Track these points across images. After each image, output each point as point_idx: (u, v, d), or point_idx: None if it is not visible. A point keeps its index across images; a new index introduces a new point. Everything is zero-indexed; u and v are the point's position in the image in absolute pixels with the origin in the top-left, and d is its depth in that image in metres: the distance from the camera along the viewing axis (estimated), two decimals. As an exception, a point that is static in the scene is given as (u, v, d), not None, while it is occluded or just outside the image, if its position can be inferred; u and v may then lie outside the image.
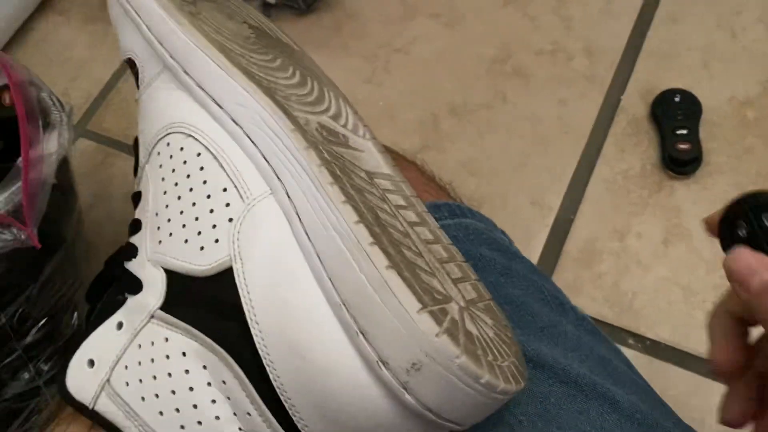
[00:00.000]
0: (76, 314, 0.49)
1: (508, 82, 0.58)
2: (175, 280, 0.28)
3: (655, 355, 0.47)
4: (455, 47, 0.61)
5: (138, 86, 0.34)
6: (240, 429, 0.26)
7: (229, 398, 0.27)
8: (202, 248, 0.28)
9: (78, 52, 0.68)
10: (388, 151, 0.35)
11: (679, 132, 0.54)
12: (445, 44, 0.61)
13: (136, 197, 0.33)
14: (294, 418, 0.26)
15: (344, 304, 0.25)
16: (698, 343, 0.47)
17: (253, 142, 0.30)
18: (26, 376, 0.46)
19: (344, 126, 0.35)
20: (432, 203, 0.38)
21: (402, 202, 0.32)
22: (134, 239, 0.31)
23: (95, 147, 0.64)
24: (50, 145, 0.41)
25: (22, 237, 0.40)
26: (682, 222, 0.51)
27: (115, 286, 0.31)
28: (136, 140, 0.34)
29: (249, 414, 0.26)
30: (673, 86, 0.56)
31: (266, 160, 0.29)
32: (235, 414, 0.26)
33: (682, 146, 0.54)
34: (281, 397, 0.26)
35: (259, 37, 0.37)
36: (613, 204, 0.53)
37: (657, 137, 0.55)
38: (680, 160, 0.53)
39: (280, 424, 0.26)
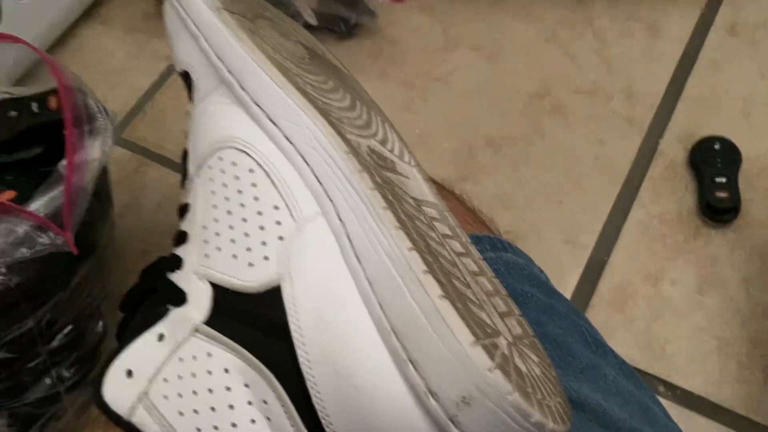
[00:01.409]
0: (101, 323, 0.49)
1: (547, 118, 0.58)
2: (221, 294, 0.28)
3: (686, 405, 0.46)
4: (495, 80, 0.61)
5: (191, 99, 0.34)
6: (277, 451, 0.26)
7: (269, 419, 0.26)
8: (250, 264, 0.28)
9: (118, 61, 0.69)
10: (431, 180, 0.35)
11: (717, 180, 0.54)
12: (485, 77, 0.61)
13: (183, 209, 0.33)
14: (333, 443, 0.25)
15: (394, 331, 0.25)
16: (731, 396, 0.46)
17: (305, 161, 0.29)
18: (48, 381, 0.45)
19: (391, 151, 0.35)
20: (473, 235, 0.38)
21: (448, 232, 0.32)
22: (179, 251, 0.31)
23: (129, 156, 0.64)
24: (93, 152, 0.41)
25: (59, 242, 0.40)
26: (718, 271, 0.51)
27: (155, 296, 0.31)
28: (185, 152, 0.34)
29: (288, 436, 0.26)
30: (713, 133, 0.56)
31: (318, 181, 0.29)
32: (273, 435, 0.26)
33: (721, 194, 0.53)
34: (322, 421, 0.25)
35: (311, 57, 0.37)
36: (648, 248, 0.52)
37: (695, 183, 0.54)
38: (718, 209, 0.53)
39: (319, 448, 0.25)
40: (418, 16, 0.65)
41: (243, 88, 0.31)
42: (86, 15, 0.71)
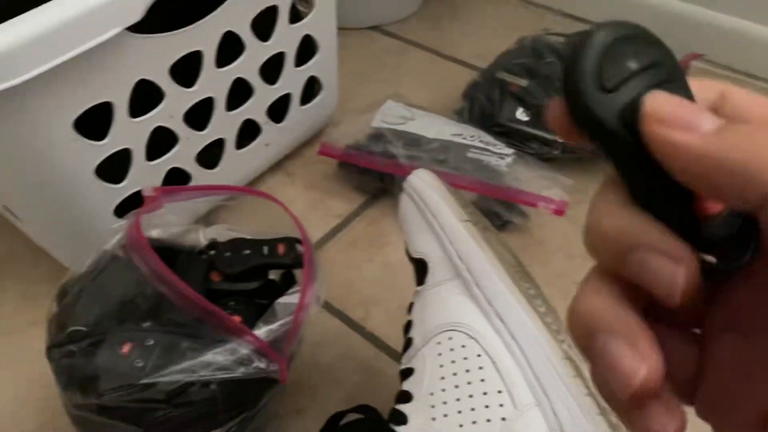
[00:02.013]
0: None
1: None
2: (446, 454, 0.34)
3: None
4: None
5: (422, 282, 0.43)
6: None
7: None
8: (476, 435, 0.34)
9: (296, 211, 0.79)
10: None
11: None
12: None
13: (407, 372, 0.40)
14: None
15: None
16: None
17: (526, 358, 0.36)
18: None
19: (576, 357, 0.42)
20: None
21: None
22: (404, 408, 0.38)
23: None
24: (314, 296, 0.49)
25: (272, 368, 0.47)
26: None
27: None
28: (409, 323, 0.42)
29: None
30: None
31: (535, 376, 0.36)
32: None
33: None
34: None
35: (518, 265, 0.45)
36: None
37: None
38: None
39: None
40: (564, 223, 0.74)
41: (478, 287, 0.39)
42: (276, 166, 0.83)
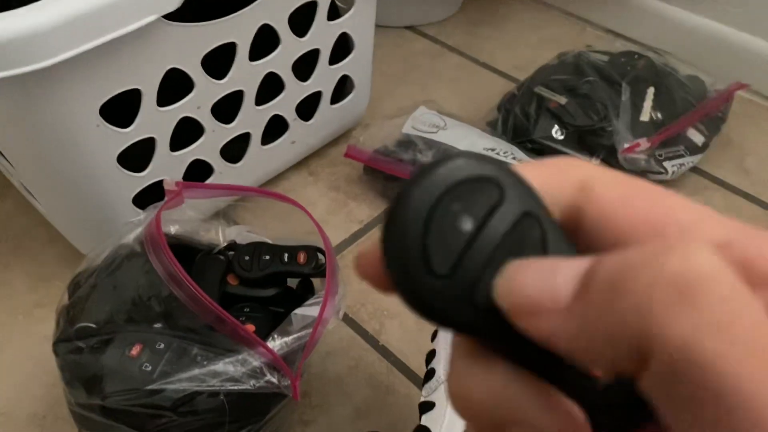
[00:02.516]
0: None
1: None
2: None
3: None
4: None
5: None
6: None
7: None
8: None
9: (317, 213, 0.78)
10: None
11: None
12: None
13: (427, 406, 0.38)
14: None
15: None
16: None
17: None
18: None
19: None
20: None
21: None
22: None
23: (303, 297, 0.72)
24: (333, 311, 0.47)
25: (284, 384, 0.46)
26: None
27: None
28: (432, 353, 0.40)
29: None
30: None
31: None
32: None
33: None
34: None
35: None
36: None
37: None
38: None
39: None
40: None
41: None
42: (300, 164, 0.81)
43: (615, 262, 0.13)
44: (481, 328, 0.14)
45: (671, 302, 0.12)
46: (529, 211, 0.15)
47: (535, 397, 0.15)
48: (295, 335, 0.46)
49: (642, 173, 0.72)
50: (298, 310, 0.48)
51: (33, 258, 0.69)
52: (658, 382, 0.13)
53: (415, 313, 0.15)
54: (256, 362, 0.45)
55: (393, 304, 0.67)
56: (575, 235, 0.15)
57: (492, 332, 0.14)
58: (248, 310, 0.50)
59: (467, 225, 0.14)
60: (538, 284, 0.14)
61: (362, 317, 0.66)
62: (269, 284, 0.52)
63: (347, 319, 0.66)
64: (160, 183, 0.55)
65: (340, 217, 0.76)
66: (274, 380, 0.45)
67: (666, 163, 0.71)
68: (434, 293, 0.14)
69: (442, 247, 0.14)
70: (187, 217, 0.52)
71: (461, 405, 0.15)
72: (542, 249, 0.15)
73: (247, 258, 0.51)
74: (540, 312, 0.14)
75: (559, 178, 0.16)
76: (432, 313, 0.14)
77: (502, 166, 0.15)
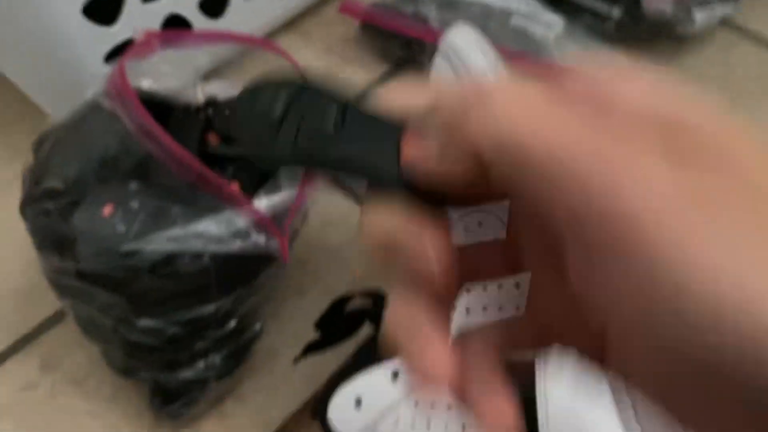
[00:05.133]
0: (259, 324, 0.51)
1: None
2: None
3: None
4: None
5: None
6: None
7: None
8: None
9: (312, 78, 0.72)
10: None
11: None
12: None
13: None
14: None
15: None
16: None
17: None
18: (201, 366, 0.48)
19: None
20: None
21: None
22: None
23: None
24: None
25: (272, 245, 0.42)
26: None
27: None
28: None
29: None
30: None
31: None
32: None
33: None
34: None
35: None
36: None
37: None
38: None
39: None
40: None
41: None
42: (290, 24, 0.75)
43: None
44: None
45: (473, 110, 0.17)
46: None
47: (418, 229, 0.19)
48: (282, 194, 0.43)
49: (666, 26, 0.66)
50: (287, 168, 0.44)
51: (8, 132, 0.65)
52: (500, 176, 0.17)
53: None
54: (241, 222, 0.42)
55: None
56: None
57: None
58: (232, 169, 0.46)
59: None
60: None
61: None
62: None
63: (349, 190, 0.62)
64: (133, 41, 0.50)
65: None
66: (261, 241, 0.42)
67: (695, 12, 0.64)
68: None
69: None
70: (160, 72, 0.47)
71: (366, 232, 0.20)
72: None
73: (228, 113, 0.46)
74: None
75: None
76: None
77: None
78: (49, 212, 0.41)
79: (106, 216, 0.40)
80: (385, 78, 0.70)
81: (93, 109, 0.43)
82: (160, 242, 0.39)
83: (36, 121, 0.64)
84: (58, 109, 0.59)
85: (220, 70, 0.66)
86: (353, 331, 0.35)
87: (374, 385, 0.30)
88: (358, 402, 0.30)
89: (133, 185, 0.41)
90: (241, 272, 0.45)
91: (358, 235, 0.58)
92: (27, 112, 0.65)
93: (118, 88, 0.40)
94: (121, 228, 0.39)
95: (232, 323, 0.47)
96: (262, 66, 0.65)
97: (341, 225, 0.60)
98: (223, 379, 0.49)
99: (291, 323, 0.54)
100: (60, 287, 0.43)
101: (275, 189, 0.44)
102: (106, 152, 0.41)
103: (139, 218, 0.40)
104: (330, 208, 0.61)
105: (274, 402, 0.50)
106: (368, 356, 0.31)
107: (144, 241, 0.39)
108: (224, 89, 0.49)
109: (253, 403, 0.50)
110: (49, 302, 0.54)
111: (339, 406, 0.29)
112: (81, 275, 0.41)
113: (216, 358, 0.48)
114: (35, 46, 0.51)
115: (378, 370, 0.30)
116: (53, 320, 0.54)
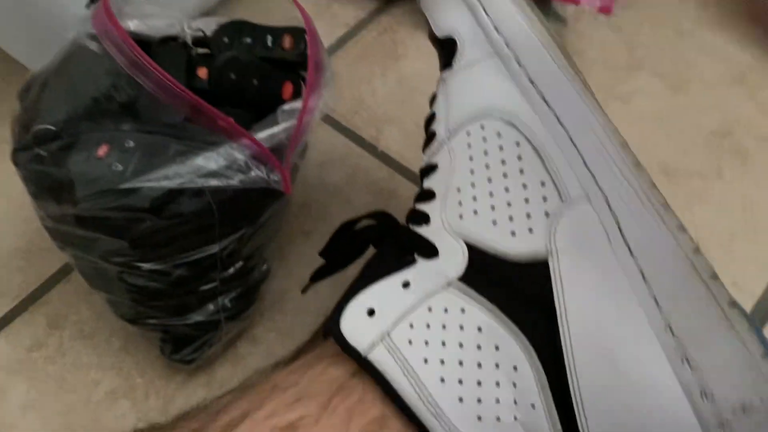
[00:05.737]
0: (266, 264, 0.50)
1: (726, 159, 0.57)
2: (478, 256, 0.29)
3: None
4: (675, 110, 0.60)
5: (448, 65, 0.35)
6: (515, 418, 0.26)
7: (515, 385, 0.26)
8: (513, 234, 0.28)
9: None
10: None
11: None
12: (666, 104, 0.61)
13: (429, 169, 0.33)
14: (579, 423, 0.25)
15: (670, 328, 0.25)
16: None
17: (576, 146, 0.30)
18: (212, 308, 0.47)
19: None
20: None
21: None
22: (424, 207, 0.32)
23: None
24: (322, 99, 0.42)
25: (274, 178, 0.41)
26: None
27: (395, 245, 0.32)
28: (432, 116, 0.35)
29: (533, 406, 0.26)
30: None
31: (587, 167, 0.29)
32: (515, 402, 0.26)
33: None
34: (573, 400, 0.25)
35: (563, 51, 0.37)
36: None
37: None
38: None
39: (562, 424, 0.26)
40: (605, 31, 0.65)
41: (520, 64, 0.32)
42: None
43: None
44: None
45: None
46: None
47: None
48: (280, 126, 0.42)
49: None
50: (285, 106, 0.43)
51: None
52: None
53: None
54: (240, 155, 0.41)
55: (391, 108, 0.62)
56: None
57: None
58: (228, 106, 0.45)
59: None
60: None
61: (356, 124, 0.61)
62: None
63: (341, 128, 0.61)
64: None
65: (323, 22, 0.69)
66: (262, 174, 0.41)
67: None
68: None
69: None
70: (145, 12, 0.46)
71: None
72: None
73: (226, 40, 0.45)
74: None
75: None
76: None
77: None
78: (42, 158, 0.40)
79: (101, 156, 0.39)
80: (375, 14, 0.69)
81: (77, 50, 0.41)
82: (159, 179, 0.38)
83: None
84: (34, 58, 0.57)
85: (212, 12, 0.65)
86: (358, 254, 0.34)
87: (386, 294, 0.29)
88: (371, 312, 0.29)
89: (127, 124, 0.40)
90: (245, 209, 0.44)
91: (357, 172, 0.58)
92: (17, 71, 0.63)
93: (102, 23, 0.39)
94: (117, 167, 0.38)
95: (238, 264, 0.47)
96: (253, 6, 0.64)
97: (341, 164, 0.59)
98: (234, 320, 0.49)
99: (298, 265, 0.53)
100: (60, 236, 0.43)
101: (273, 122, 0.43)
102: (96, 92, 0.40)
103: (135, 156, 0.39)
104: (324, 148, 0.60)
105: (287, 341, 0.50)
106: (376, 269, 0.30)
107: (142, 179, 0.38)
108: (213, 26, 0.47)
109: (266, 344, 0.50)
110: (51, 261, 0.53)
111: (351, 318, 0.29)
112: (80, 220, 0.40)
113: (225, 300, 0.48)
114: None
115: (388, 280, 0.30)
116: (56, 278, 0.53)
